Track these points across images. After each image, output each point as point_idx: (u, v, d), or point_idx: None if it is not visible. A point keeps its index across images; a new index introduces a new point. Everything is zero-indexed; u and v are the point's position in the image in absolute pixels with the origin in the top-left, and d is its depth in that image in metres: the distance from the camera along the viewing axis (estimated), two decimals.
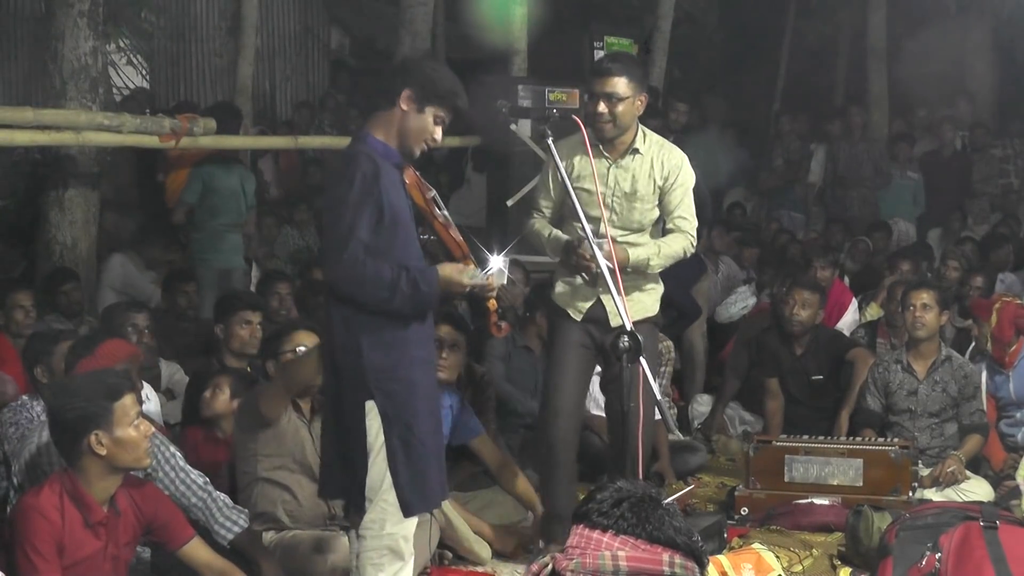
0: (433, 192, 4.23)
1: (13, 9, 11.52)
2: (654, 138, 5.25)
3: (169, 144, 7.23)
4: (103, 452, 3.91)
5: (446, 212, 4.25)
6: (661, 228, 5.38)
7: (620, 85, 5.04)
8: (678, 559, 2.58)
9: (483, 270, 4.14)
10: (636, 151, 5.16)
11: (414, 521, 4.08)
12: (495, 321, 4.32)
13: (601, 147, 5.17)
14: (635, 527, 2.59)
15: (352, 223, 3.92)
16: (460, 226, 4.30)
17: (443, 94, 4.11)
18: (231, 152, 8.57)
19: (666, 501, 2.64)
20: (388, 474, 3.99)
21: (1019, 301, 7.25)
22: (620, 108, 5.05)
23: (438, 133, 4.14)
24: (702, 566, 2.64)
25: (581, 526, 2.62)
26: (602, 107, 5.05)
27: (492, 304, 4.27)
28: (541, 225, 5.32)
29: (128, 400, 3.98)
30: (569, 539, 2.61)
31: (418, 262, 4.10)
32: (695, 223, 5.27)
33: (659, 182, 5.17)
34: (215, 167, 8.42)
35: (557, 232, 5.24)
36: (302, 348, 5.11)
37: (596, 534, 2.59)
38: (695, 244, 5.33)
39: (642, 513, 2.60)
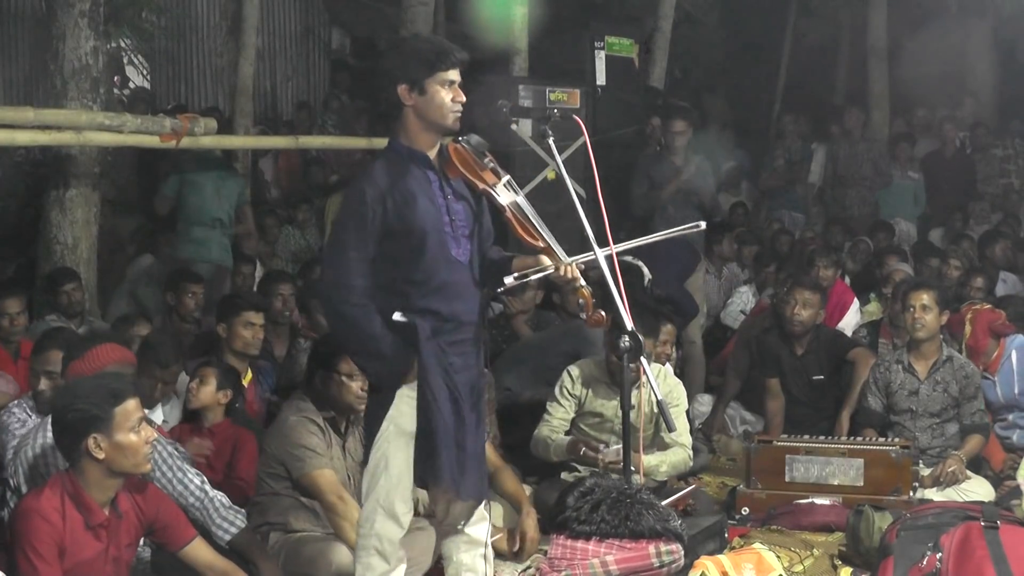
0: (491, 166, 4.04)
1: (13, 9, 11.53)
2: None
3: (170, 144, 7.22)
4: (101, 456, 3.89)
5: (515, 196, 3.98)
6: None
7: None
8: (663, 546, 2.61)
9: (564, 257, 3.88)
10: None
11: (398, 524, 3.93)
12: (591, 312, 3.86)
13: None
14: (616, 528, 2.61)
15: (346, 263, 3.89)
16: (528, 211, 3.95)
17: (432, 61, 3.93)
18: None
19: (639, 492, 2.63)
20: (379, 470, 3.92)
21: (988, 307, 7.26)
22: None
23: (457, 95, 3.99)
24: (684, 543, 2.67)
25: (562, 536, 2.62)
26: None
27: (584, 293, 3.90)
28: (549, 431, 5.80)
29: (131, 405, 3.96)
30: (551, 550, 2.60)
31: (446, 270, 3.94)
32: (689, 439, 5.96)
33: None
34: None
35: (561, 438, 5.75)
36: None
37: (580, 543, 2.60)
38: (691, 458, 5.96)
39: (620, 512, 2.63)
